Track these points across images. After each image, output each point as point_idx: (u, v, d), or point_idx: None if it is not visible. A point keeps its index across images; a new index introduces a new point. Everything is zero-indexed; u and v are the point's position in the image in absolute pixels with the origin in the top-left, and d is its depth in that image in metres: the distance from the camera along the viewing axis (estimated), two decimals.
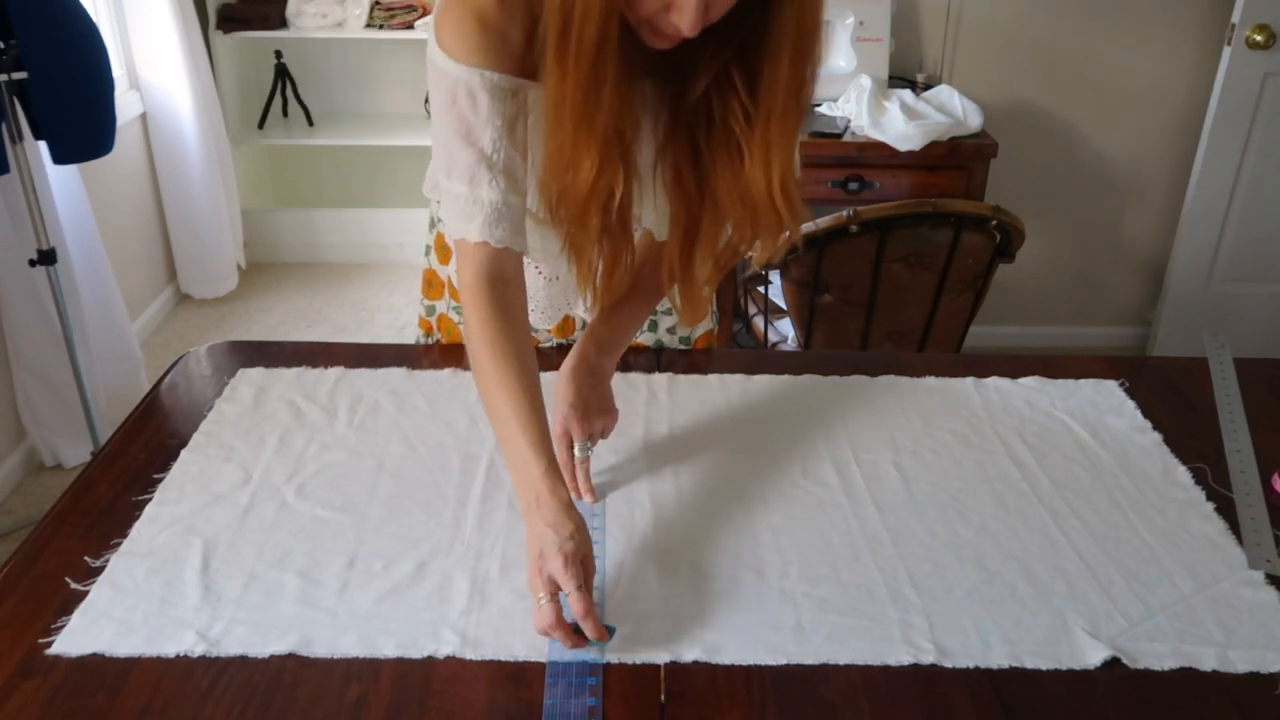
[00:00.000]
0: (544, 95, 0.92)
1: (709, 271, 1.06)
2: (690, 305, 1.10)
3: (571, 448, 1.09)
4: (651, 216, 1.10)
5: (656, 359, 1.37)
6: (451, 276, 1.39)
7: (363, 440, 1.18)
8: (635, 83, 0.94)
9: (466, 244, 1.00)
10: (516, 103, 0.98)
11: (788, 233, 1.02)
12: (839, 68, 2.79)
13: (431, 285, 1.43)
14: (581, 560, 0.87)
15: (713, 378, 1.32)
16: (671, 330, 1.40)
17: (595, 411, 1.10)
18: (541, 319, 1.32)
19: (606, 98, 0.89)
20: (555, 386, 1.12)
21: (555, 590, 0.86)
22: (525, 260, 1.21)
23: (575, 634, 0.86)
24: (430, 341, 1.45)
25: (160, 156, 3.34)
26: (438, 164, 1.03)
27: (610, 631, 0.88)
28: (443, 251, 1.39)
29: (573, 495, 1.03)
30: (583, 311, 1.34)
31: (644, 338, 1.40)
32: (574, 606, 0.85)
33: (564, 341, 1.40)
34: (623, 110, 0.92)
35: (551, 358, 1.36)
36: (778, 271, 2.06)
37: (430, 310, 1.43)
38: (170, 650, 0.87)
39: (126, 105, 3.12)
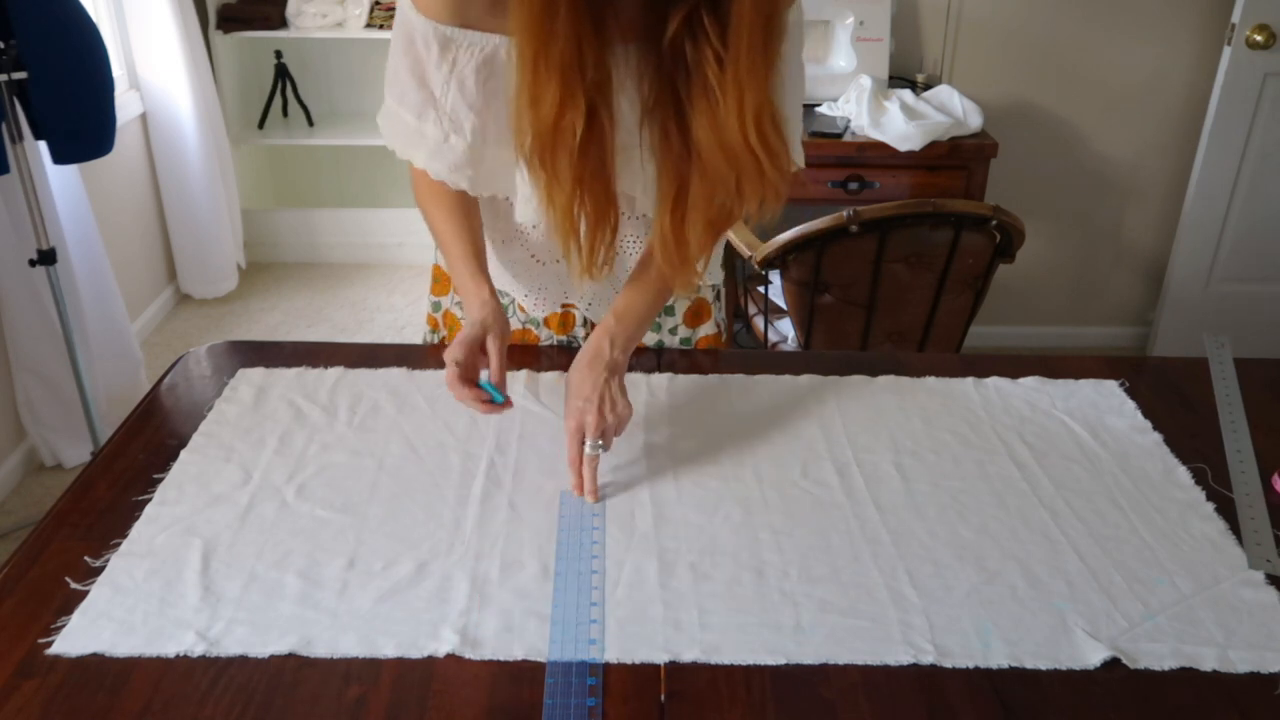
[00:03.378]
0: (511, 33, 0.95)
1: (700, 235, 1.06)
2: (683, 273, 1.10)
3: (583, 444, 1.08)
4: (639, 191, 1.10)
5: (657, 359, 1.37)
6: None
7: (363, 440, 1.18)
8: (606, 38, 0.95)
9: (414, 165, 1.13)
10: (472, 56, 1.03)
11: (780, 194, 1.02)
12: (839, 68, 2.79)
13: (438, 281, 1.43)
14: (479, 338, 1.07)
15: (713, 378, 1.32)
16: (674, 330, 1.40)
17: (609, 407, 1.09)
18: (539, 306, 1.32)
19: (561, 26, 0.91)
20: (569, 379, 1.12)
21: (452, 365, 1.05)
22: (523, 248, 1.22)
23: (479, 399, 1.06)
24: (436, 339, 1.45)
25: (160, 156, 3.34)
26: (391, 89, 1.11)
27: (496, 398, 1.07)
28: None
29: (574, 493, 1.06)
30: (582, 304, 1.33)
31: (646, 338, 1.40)
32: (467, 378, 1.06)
33: (564, 339, 1.40)
34: (582, 44, 0.92)
35: (553, 356, 1.36)
36: (778, 271, 2.06)
37: (436, 306, 1.44)
38: (170, 650, 0.87)
39: (126, 105, 3.12)
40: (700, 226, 1.05)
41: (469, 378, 1.07)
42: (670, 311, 1.39)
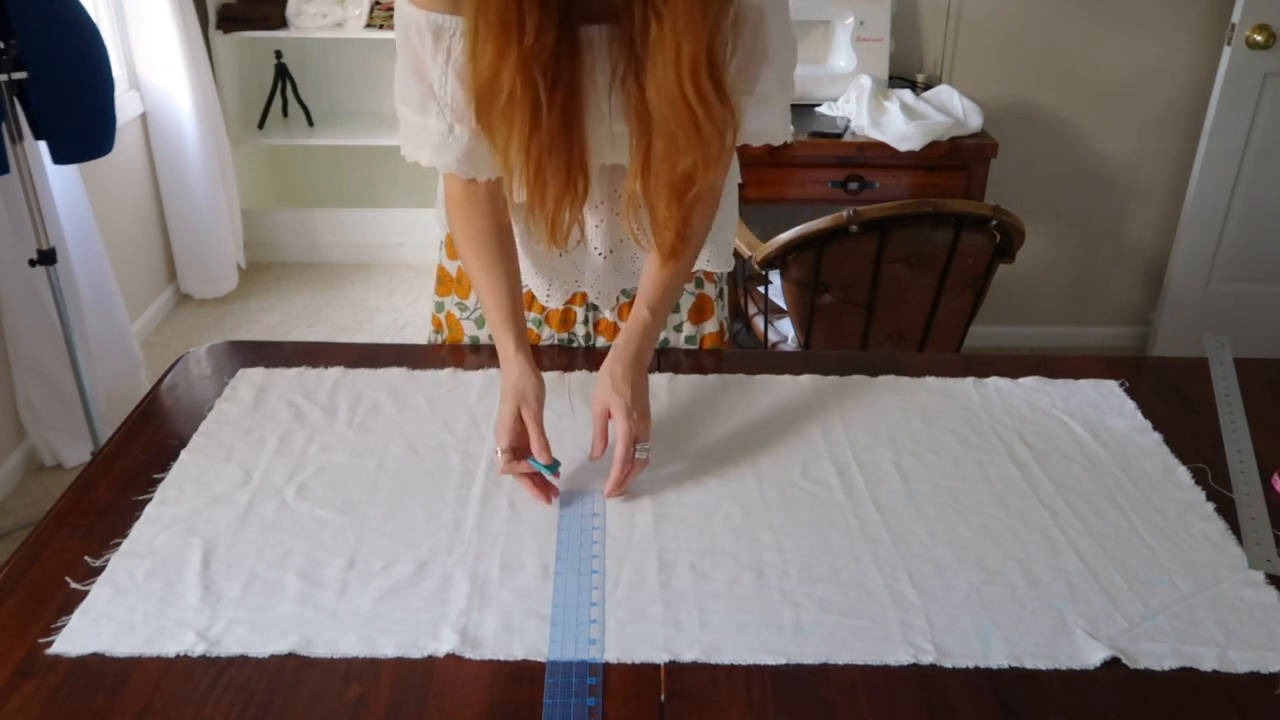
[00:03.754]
0: None
1: (666, 201, 1.07)
2: (659, 239, 1.11)
3: (618, 443, 1.08)
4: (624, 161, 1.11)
5: (657, 359, 1.37)
6: (456, 268, 1.40)
7: (363, 440, 1.18)
8: (572, 15, 0.99)
9: (453, 182, 1.15)
10: (466, 42, 1.03)
11: (714, 153, 1.02)
12: (839, 68, 2.79)
13: (442, 282, 1.43)
14: (516, 415, 1.08)
15: (713, 378, 1.32)
16: (678, 328, 1.41)
17: (643, 411, 1.11)
18: (551, 296, 1.33)
19: None
20: (608, 380, 1.11)
21: (506, 449, 1.08)
22: (530, 240, 1.23)
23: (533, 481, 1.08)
24: (440, 339, 1.45)
25: (160, 156, 3.34)
26: (396, 91, 1.12)
27: (555, 465, 1.07)
28: (450, 248, 1.39)
29: (611, 495, 1.08)
30: (591, 291, 1.33)
31: None
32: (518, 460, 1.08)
33: (564, 336, 1.40)
34: (523, 7, 0.94)
35: (554, 357, 1.36)
36: (778, 271, 2.06)
37: (440, 307, 1.44)
38: (170, 650, 0.87)
39: (126, 105, 3.12)
40: (665, 192, 1.06)
41: (520, 457, 1.09)
42: (675, 308, 1.39)
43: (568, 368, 1.33)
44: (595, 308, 1.39)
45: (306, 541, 1.01)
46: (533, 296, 1.36)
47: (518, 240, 1.27)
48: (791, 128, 1.19)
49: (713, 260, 1.36)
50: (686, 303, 1.39)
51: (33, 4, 2.03)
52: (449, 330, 1.43)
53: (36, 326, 2.47)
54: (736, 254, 2.12)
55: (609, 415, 1.11)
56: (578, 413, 1.23)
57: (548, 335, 1.40)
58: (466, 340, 1.41)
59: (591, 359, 1.35)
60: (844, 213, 1.91)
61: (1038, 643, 0.89)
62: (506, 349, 1.14)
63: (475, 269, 1.18)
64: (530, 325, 1.39)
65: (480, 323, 1.40)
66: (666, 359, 1.37)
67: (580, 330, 1.40)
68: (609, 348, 1.36)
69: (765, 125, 1.14)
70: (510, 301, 1.16)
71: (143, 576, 0.96)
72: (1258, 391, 1.30)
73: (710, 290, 1.41)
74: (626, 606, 0.93)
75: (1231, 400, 1.28)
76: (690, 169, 1.04)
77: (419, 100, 1.10)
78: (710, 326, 1.42)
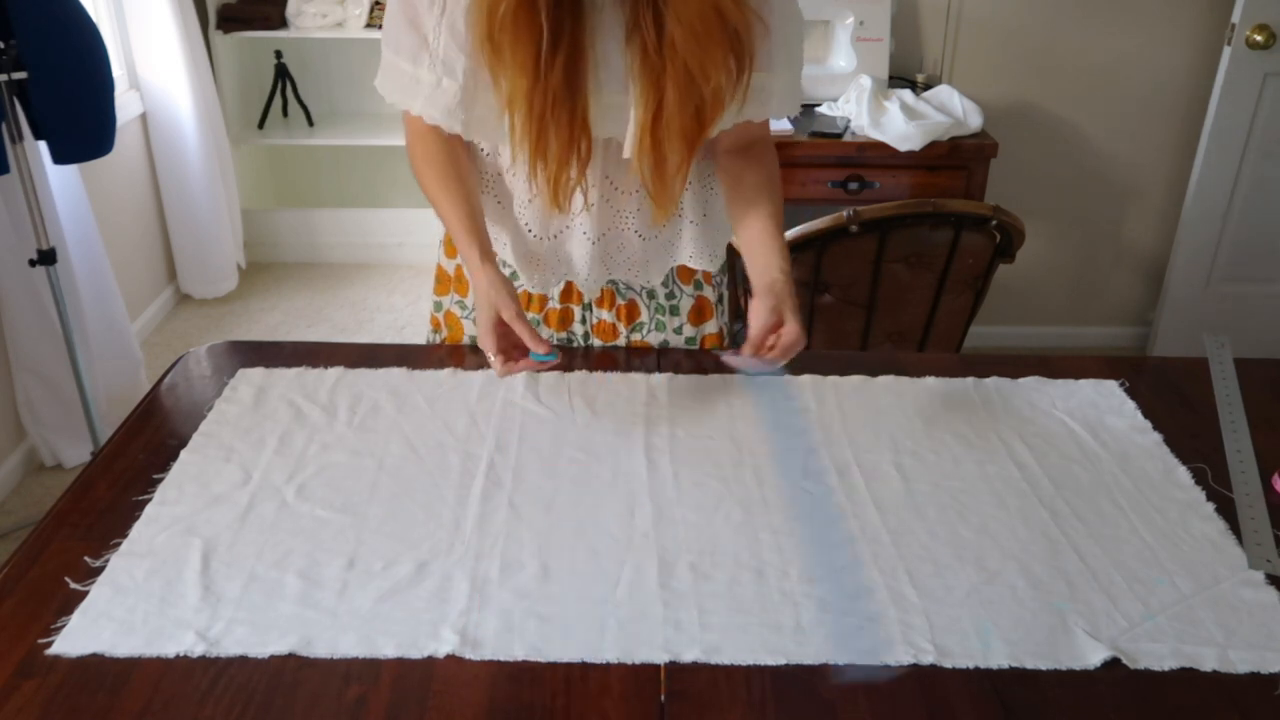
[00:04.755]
0: None
1: (678, 148, 1.11)
2: (661, 193, 1.15)
3: (781, 342, 1.15)
4: (621, 130, 1.14)
5: (657, 359, 1.37)
6: (453, 266, 1.40)
7: (363, 440, 1.18)
8: None
9: (417, 124, 1.17)
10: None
11: (747, 58, 1.09)
12: (839, 68, 2.79)
13: (440, 281, 1.43)
14: (495, 321, 1.13)
15: (713, 378, 1.32)
16: (679, 330, 1.41)
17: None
18: (537, 283, 1.33)
19: None
20: (780, 279, 1.17)
21: (497, 353, 1.14)
22: (518, 223, 1.26)
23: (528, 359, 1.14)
24: (439, 339, 1.45)
25: (160, 156, 3.34)
26: (387, 41, 1.15)
27: (554, 353, 1.14)
28: (449, 246, 1.39)
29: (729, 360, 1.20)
30: (580, 280, 1.32)
31: (650, 337, 1.40)
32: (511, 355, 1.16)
33: (563, 337, 1.41)
34: None
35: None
36: None
37: (438, 306, 1.44)
38: (170, 650, 0.87)
39: (126, 105, 3.12)
40: (677, 138, 1.10)
41: (514, 356, 1.14)
42: (675, 311, 1.40)
43: (568, 368, 1.33)
44: (591, 308, 1.39)
45: (306, 541, 1.01)
46: (529, 296, 1.37)
47: (509, 230, 1.29)
48: (801, 100, 1.24)
49: (708, 260, 1.36)
50: (686, 305, 1.40)
51: (33, 4, 2.03)
52: (448, 330, 1.43)
53: (36, 326, 2.47)
54: (737, 254, 2.12)
55: (778, 319, 1.15)
56: (578, 413, 1.23)
57: (546, 335, 1.40)
58: (466, 340, 1.42)
59: (591, 359, 1.35)
60: (844, 213, 1.91)
61: (1038, 643, 0.89)
62: (472, 260, 1.17)
63: (436, 189, 1.20)
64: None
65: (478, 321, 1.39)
66: (667, 359, 1.37)
67: (579, 330, 1.40)
68: (607, 349, 1.36)
69: (771, 97, 1.18)
70: (471, 216, 1.18)
71: (143, 576, 0.96)
72: (1258, 391, 1.30)
73: (709, 293, 1.41)
74: (626, 606, 0.93)
75: (1231, 400, 1.28)
76: (701, 106, 1.08)
77: (411, 50, 1.12)
78: (710, 327, 1.42)
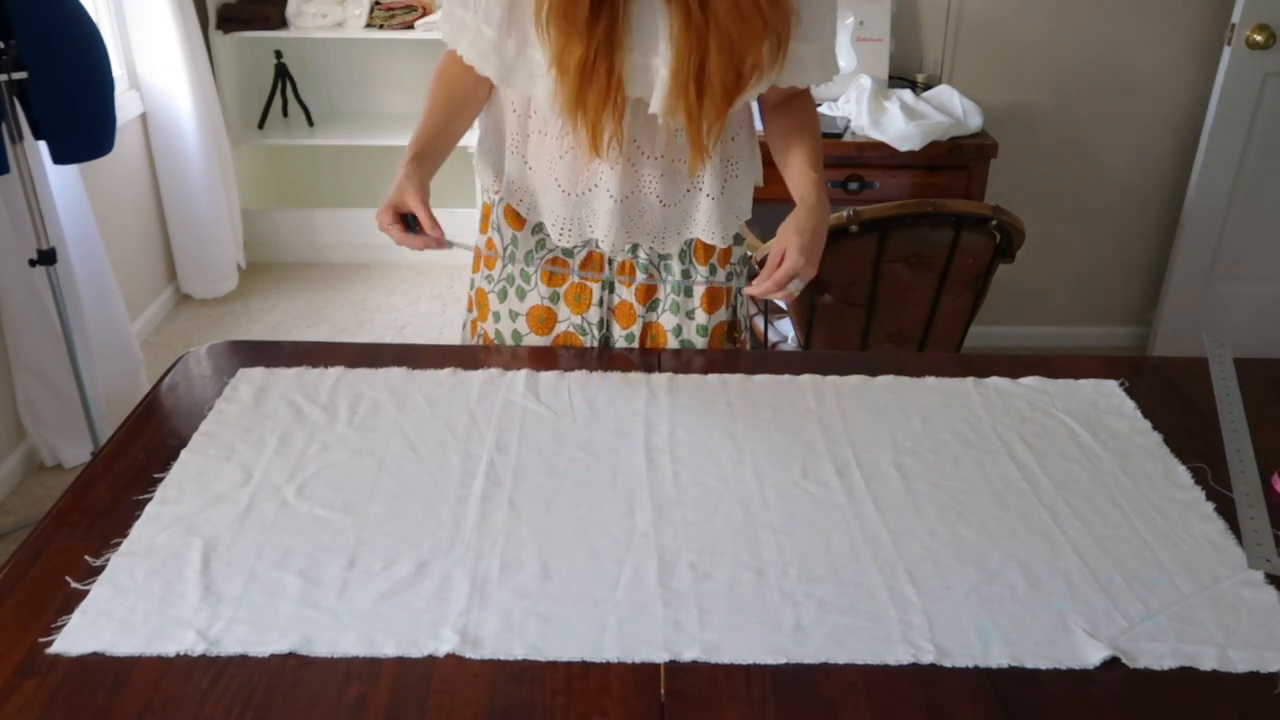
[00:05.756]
0: None
1: (717, 104, 1.20)
2: (695, 146, 1.24)
3: (781, 268, 1.25)
4: (648, 91, 1.22)
5: (657, 359, 1.37)
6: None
7: (363, 440, 1.18)
8: None
9: (453, 54, 1.29)
10: None
11: (783, 38, 1.19)
12: (839, 68, 2.79)
13: (475, 258, 1.51)
14: (397, 204, 1.24)
15: (713, 378, 1.32)
16: (691, 314, 1.43)
17: (813, 257, 1.28)
18: (565, 235, 1.38)
19: None
20: (791, 222, 1.27)
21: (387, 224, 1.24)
22: (548, 175, 1.34)
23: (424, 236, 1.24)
24: (471, 317, 1.53)
25: (160, 156, 3.34)
26: None
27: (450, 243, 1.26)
28: (484, 224, 1.48)
29: (750, 293, 1.29)
30: (600, 234, 1.36)
31: (665, 319, 1.43)
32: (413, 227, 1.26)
33: (578, 322, 1.43)
34: None
35: (565, 359, 1.36)
36: None
37: (471, 284, 1.53)
38: (170, 650, 0.87)
39: (126, 105, 3.12)
40: (718, 98, 1.19)
41: (407, 229, 1.25)
42: (689, 293, 1.42)
43: (567, 368, 1.33)
44: (611, 288, 1.42)
45: (306, 541, 1.01)
46: (554, 262, 1.42)
47: (539, 186, 1.38)
48: (836, 68, 1.33)
49: (720, 236, 1.39)
50: (698, 291, 1.42)
51: (33, 4, 2.03)
52: (479, 309, 1.49)
53: (36, 326, 2.47)
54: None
55: (783, 257, 1.25)
56: (578, 412, 1.23)
57: (564, 315, 1.43)
58: (491, 313, 1.47)
59: (602, 360, 1.35)
60: (844, 213, 1.91)
61: (1037, 642, 0.89)
62: (406, 157, 1.29)
63: (430, 105, 1.33)
64: (546, 302, 1.43)
65: (503, 295, 1.45)
66: (667, 359, 1.37)
67: (594, 315, 1.42)
68: (622, 350, 1.38)
69: (807, 64, 1.26)
70: (431, 136, 1.31)
71: (143, 576, 0.96)
72: (1258, 391, 1.30)
73: (719, 278, 1.44)
74: (626, 606, 0.93)
75: (1231, 400, 1.28)
76: (742, 68, 1.18)
77: None
78: (722, 315, 1.45)
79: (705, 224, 1.37)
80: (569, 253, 1.41)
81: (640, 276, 1.41)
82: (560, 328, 1.43)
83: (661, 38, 1.17)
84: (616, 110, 1.21)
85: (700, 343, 1.43)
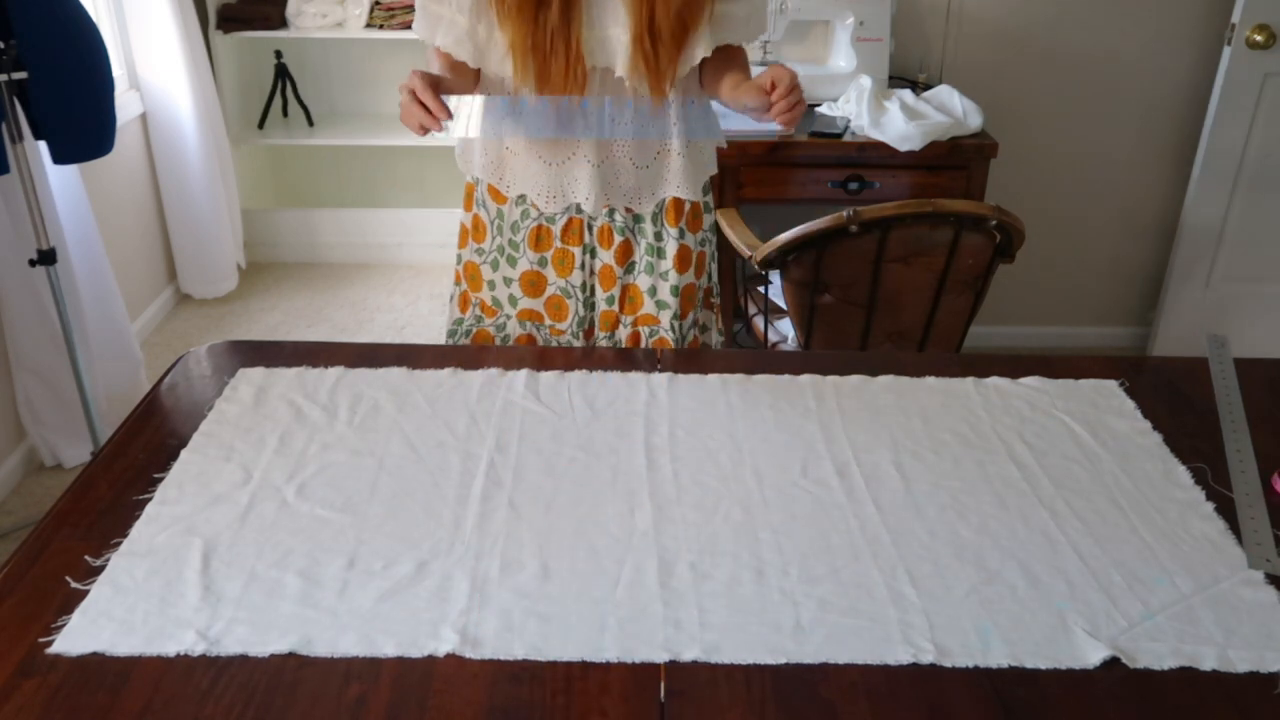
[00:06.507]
0: None
1: (668, 49, 1.32)
2: (656, 84, 1.35)
3: (784, 81, 1.29)
4: (611, 59, 1.34)
5: (657, 359, 1.37)
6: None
7: (363, 440, 1.18)
8: None
9: (429, 48, 1.41)
10: None
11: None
12: (839, 68, 2.79)
13: (460, 235, 1.58)
14: (415, 88, 1.28)
15: (713, 378, 1.32)
16: (665, 275, 1.51)
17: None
18: (549, 203, 1.47)
19: None
20: (768, 68, 1.32)
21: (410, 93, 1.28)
22: (529, 150, 1.46)
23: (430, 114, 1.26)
24: (460, 290, 1.59)
25: (160, 156, 3.34)
26: None
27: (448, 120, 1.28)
28: (468, 200, 1.56)
29: (776, 116, 1.30)
30: (582, 198, 1.46)
31: (641, 280, 1.52)
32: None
33: (563, 285, 1.49)
34: None
35: (554, 357, 1.36)
36: (778, 271, 2.06)
37: (459, 259, 1.60)
38: (170, 650, 0.87)
39: (126, 105, 3.12)
40: (669, 46, 1.32)
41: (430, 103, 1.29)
42: (661, 254, 1.50)
43: (567, 368, 1.33)
44: (594, 253, 1.51)
45: (306, 541, 1.01)
46: (539, 230, 1.51)
47: (523, 160, 1.47)
48: (765, 27, 1.46)
49: (691, 190, 1.48)
50: (671, 249, 1.51)
51: (33, 4, 2.03)
52: (469, 281, 1.58)
53: (36, 326, 2.47)
54: (736, 254, 2.13)
55: (771, 87, 1.29)
56: (578, 412, 1.23)
57: (553, 278, 1.51)
58: (485, 284, 1.55)
59: (592, 359, 1.35)
60: (844, 213, 1.91)
61: (1038, 642, 0.89)
62: (430, 68, 1.40)
63: (435, 67, 1.43)
64: (535, 267, 1.51)
65: (495, 265, 1.55)
66: (666, 359, 1.37)
67: (578, 279, 1.51)
68: (608, 349, 1.39)
69: (737, 21, 1.38)
70: (446, 72, 1.41)
71: (143, 576, 0.96)
72: (1258, 391, 1.30)
73: (691, 243, 1.52)
74: (626, 606, 0.93)
75: (1231, 400, 1.28)
76: (683, 11, 1.31)
77: None
78: (690, 278, 1.53)
79: (679, 181, 1.48)
80: (551, 220, 1.50)
81: (618, 239, 1.51)
82: (550, 290, 1.53)
83: (622, 6, 1.31)
84: (577, 82, 1.33)
85: (673, 303, 1.52)
